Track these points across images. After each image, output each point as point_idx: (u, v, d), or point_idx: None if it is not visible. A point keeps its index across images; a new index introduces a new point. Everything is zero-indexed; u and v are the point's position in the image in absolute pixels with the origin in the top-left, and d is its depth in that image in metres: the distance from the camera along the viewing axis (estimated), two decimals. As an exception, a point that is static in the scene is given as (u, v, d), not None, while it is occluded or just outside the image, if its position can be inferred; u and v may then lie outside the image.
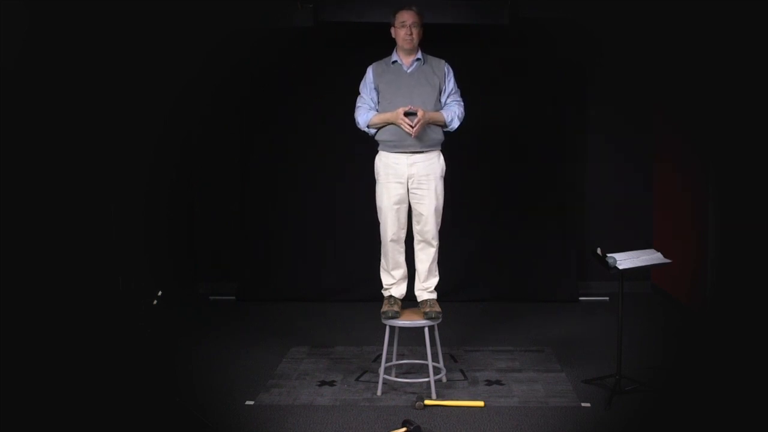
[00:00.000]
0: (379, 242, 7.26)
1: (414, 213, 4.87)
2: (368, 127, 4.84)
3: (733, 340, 5.28)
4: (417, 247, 4.90)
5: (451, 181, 7.13)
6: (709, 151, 6.09)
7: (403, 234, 4.90)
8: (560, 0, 5.83)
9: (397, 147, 4.78)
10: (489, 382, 4.95)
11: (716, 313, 5.87)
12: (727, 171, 5.76)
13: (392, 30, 4.84)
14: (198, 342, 5.88)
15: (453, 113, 4.79)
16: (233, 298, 7.21)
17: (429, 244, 4.85)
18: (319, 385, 4.94)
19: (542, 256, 7.13)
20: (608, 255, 4.56)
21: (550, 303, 6.96)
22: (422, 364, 5.02)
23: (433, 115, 4.72)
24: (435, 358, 4.87)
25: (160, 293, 5.79)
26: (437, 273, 4.94)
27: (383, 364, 4.83)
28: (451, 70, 4.91)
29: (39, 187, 4.49)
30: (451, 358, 5.37)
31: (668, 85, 6.91)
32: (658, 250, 4.78)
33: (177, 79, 6.61)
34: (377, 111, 4.80)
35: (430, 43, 6.97)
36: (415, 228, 4.88)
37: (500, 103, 7.04)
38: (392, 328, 4.79)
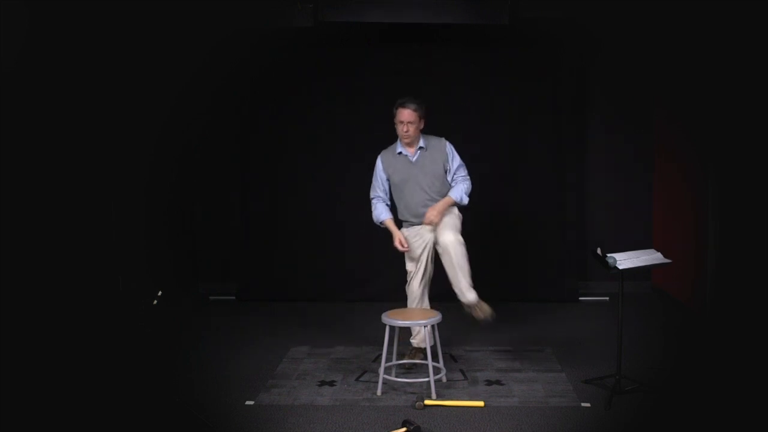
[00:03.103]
0: (380, 243, 7.30)
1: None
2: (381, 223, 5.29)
3: (733, 340, 5.28)
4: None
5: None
6: (709, 151, 6.09)
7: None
8: (560, 0, 5.83)
9: (413, 216, 5.21)
10: (489, 382, 4.95)
11: (716, 313, 5.87)
12: (728, 171, 5.76)
13: (394, 120, 5.16)
14: (198, 342, 5.89)
15: (460, 192, 5.14)
16: (233, 298, 7.21)
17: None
18: (319, 385, 4.94)
19: (542, 256, 7.13)
20: (608, 255, 4.56)
21: (550, 303, 6.96)
22: (422, 364, 5.02)
23: (444, 206, 5.09)
24: (435, 358, 4.87)
25: (160, 293, 5.79)
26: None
27: (383, 364, 4.83)
28: (452, 149, 5.25)
29: (39, 187, 4.49)
30: (451, 358, 5.37)
31: (668, 85, 6.91)
32: (658, 250, 4.78)
33: (177, 79, 6.61)
34: (388, 204, 5.31)
35: (431, 44, 7.04)
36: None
37: (500, 103, 7.05)
38: (392, 328, 4.79)
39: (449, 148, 5.23)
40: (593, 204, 7.33)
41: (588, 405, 4.57)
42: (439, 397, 4.66)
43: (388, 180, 5.26)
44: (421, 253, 5.08)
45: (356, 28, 6.46)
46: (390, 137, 7.06)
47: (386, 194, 5.29)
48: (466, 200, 5.17)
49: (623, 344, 4.67)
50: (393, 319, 4.75)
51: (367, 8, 5.90)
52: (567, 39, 6.92)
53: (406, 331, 4.93)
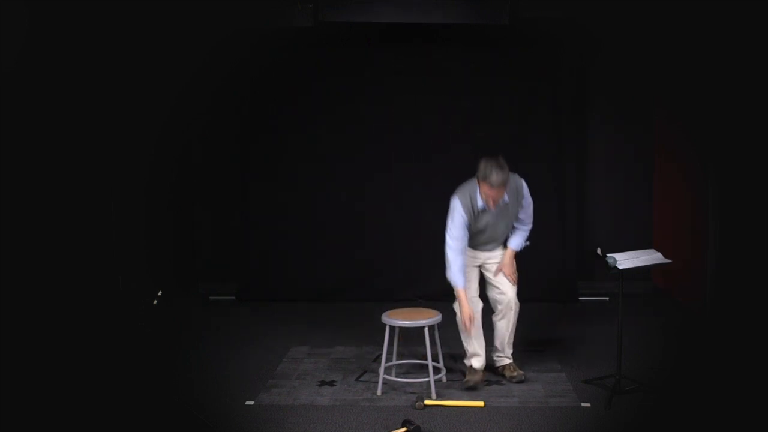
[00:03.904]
0: (380, 243, 7.29)
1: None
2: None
3: (732, 340, 5.29)
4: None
5: (450, 180, 7.16)
6: (709, 152, 6.09)
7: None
8: (560, 0, 5.83)
9: (476, 248, 4.95)
10: (489, 382, 4.95)
11: (716, 313, 5.87)
12: (728, 171, 5.76)
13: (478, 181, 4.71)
14: (198, 342, 5.88)
15: (521, 243, 4.98)
16: (233, 298, 7.21)
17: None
18: (319, 385, 4.94)
19: (542, 256, 7.11)
20: (608, 255, 4.56)
21: (550, 303, 6.95)
22: (422, 364, 5.02)
23: (512, 259, 4.97)
24: (435, 358, 4.87)
25: (160, 293, 5.80)
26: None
27: (383, 364, 4.83)
28: (527, 190, 4.92)
29: (39, 187, 4.49)
30: (451, 358, 5.37)
31: (668, 86, 6.91)
32: (658, 250, 4.78)
33: (177, 79, 6.62)
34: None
35: (431, 44, 7.03)
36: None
37: (500, 103, 7.04)
38: (392, 328, 4.79)
39: (526, 190, 4.89)
40: (593, 204, 7.32)
41: (588, 405, 4.57)
42: (439, 397, 4.66)
43: (468, 228, 4.79)
44: (472, 279, 4.95)
45: (356, 28, 6.46)
46: (390, 137, 7.11)
47: (465, 245, 4.81)
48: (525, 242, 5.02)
49: (623, 344, 4.67)
50: (393, 319, 4.75)
51: (367, 8, 5.90)
52: (567, 39, 6.92)
53: (406, 331, 4.92)
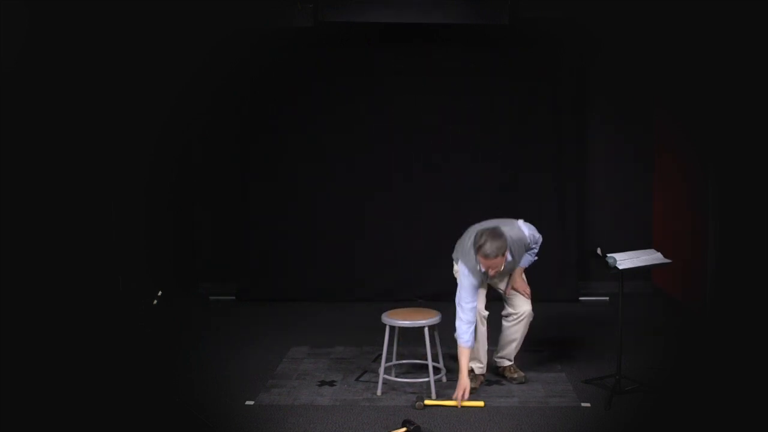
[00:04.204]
0: (380, 243, 7.29)
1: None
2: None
3: (732, 340, 5.28)
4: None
5: (450, 180, 7.18)
6: (709, 152, 6.08)
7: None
8: (560, 0, 5.83)
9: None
10: (489, 382, 4.95)
11: (716, 313, 5.87)
12: (728, 171, 5.76)
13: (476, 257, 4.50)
14: (198, 342, 5.88)
15: (530, 257, 4.87)
16: (233, 298, 7.21)
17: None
18: (319, 385, 4.94)
19: (542, 255, 7.09)
20: (608, 255, 4.56)
21: (550, 303, 6.95)
22: (422, 364, 5.02)
23: (521, 277, 4.87)
24: (435, 358, 4.87)
25: (160, 293, 5.80)
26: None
27: (383, 364, 4.83)
28: (529, 230, 4.77)
29: (39, 187, 4.49)
30: (451, 358, 5.37)
31: (669, 86, 6.91)
32: (658, 250, 4.78)
33: (177, 79, 6.62)
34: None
35: (431, 44, 7.04)
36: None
37: (500, 103, 7.04)
38: (392, 328, 4.79)
39: (528, 232, 4.75)
40: (593, 204, 7.33)
41: (588, 405, 4.57)
42: (439, 397, 4.66)
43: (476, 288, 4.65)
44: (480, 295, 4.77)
45: (356, 28, 6.47)
46: (390, 137, 7.11)
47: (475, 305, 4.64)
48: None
49: (623, 344, 4.67)
50: (393, 319, 4.75)
51: (367, 8, 5.91)
52: (567, 39, 6.92)
53: (406, 331, 4.93)
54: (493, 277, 4.62)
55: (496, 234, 4.39)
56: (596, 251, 4.62)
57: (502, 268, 4.53)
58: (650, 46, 6.78)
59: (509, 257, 4.58)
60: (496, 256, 4.37)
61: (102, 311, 5.29)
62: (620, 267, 4.52)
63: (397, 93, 7.08)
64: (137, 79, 5.94)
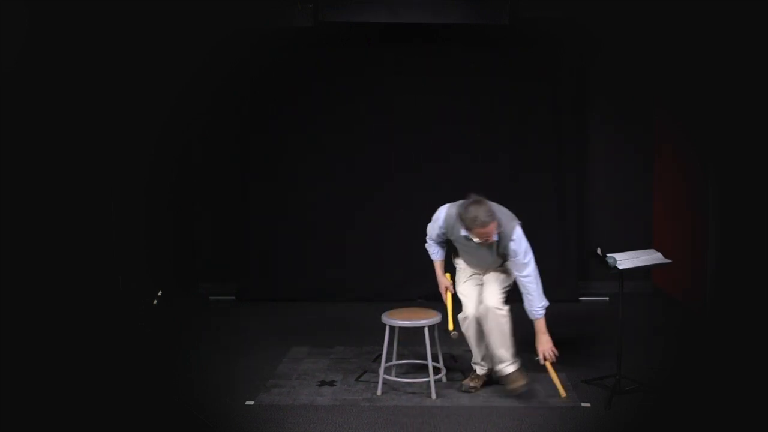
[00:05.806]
0: (380, 243, 7.26)
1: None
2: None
3: (732, 340, 5.28)
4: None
5: (450, 180, 7.17)
6: (709, 152, 6.08)
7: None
8: (560, 0, 5.83)
9: (470, 266, 4.86)
10: (489, 382, 4.94)
11: (716, 313, 5.87)
12: (728, 171, 5.76)
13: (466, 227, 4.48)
14: (198, 342, 5.88)
15: (537, 304, 4.71)
16: (233, 298, 7.21)
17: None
18: (319, 385, 4.94)
19: (542, 256, 7.09)
20: (608, 255, 4.56)
21: (551, 303, 6.93)
22: (422, 364, 5.02)
23: (545, 335, 4.76)
24: (435, 358, 4.87)
25: (160, 293, 5.80)
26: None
27: (383, 364, 4.83)
28: (517, 243, 4.53)
29: (39, 187, 4.49)
30: (451, 358, 5.37)
31: (668, 86, 6.91)
32: (658, 250, 4.78)
33: (177, 79, 6.62)
34: (443, 247, 4.84)
35: (431, 44, 7.04)
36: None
37: (500, 103, 7.04)
38: (392, 328, 4.79)
39: (515, 244, 4.52)
40: (593, 204, 7.33)
41: (588, 405, 4.57)
42: (439, 397, 4.66)
43: (445, 234, 4.72)
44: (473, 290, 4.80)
45: (356, 28, 6.47)
46: (390, 137, 7.11)
47: (441, 240, 4.80)
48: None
49: (623, 344, 4.66)
50: (393, 319, 4.75)
51: (367, 8, 5.91)
52: (567, 39, 6.92)
53: (406, 331, 4.93)
54: (484, 245, 4.48)
55: (477, 201, 4.39)
56: (596, 251, 4.62)
57: (495, 237, 4.44)
58: (650, 46, 6.78)
59: (495, 238, 4.45)
60: (492, 222, 4.34)
61: (102, 311, 5.29)
62: (620, 267, 4.52)
63: (397, 93, 7.08)
64: (137, 79, 5.94)
